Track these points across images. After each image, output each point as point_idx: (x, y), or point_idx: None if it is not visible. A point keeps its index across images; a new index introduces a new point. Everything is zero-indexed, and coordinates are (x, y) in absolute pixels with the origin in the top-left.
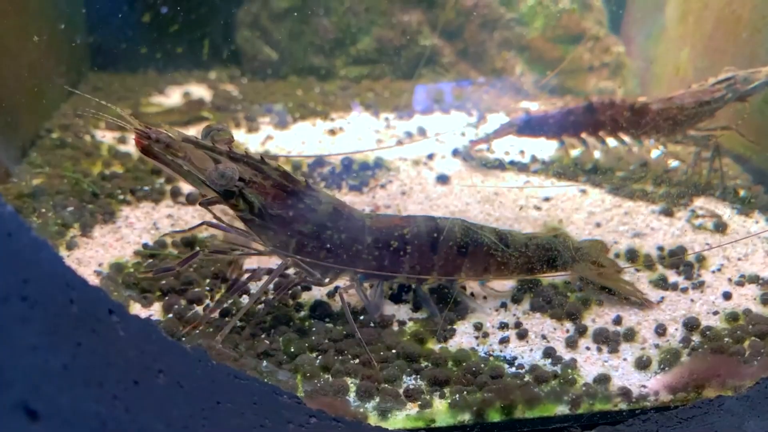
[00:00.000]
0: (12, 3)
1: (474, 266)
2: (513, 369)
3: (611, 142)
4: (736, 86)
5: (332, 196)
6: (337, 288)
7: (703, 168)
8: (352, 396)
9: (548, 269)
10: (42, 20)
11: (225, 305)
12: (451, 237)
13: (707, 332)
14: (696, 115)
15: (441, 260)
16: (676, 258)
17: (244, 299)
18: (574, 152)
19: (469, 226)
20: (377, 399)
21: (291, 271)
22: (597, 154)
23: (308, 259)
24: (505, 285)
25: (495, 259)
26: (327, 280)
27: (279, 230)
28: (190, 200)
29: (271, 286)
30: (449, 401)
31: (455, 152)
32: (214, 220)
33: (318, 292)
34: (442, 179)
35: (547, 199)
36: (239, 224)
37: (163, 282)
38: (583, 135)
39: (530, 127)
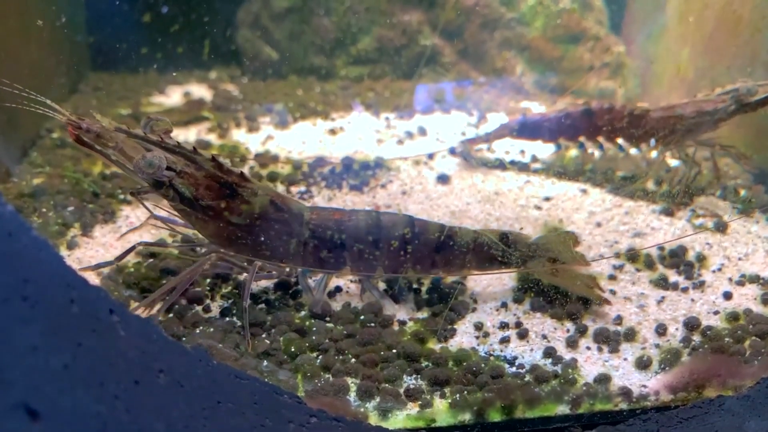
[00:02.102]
0: (13, 4)
1: (420, 262)
2: (513, 369)
3: (609, 147)
4: (740, 97)
5: (270, 188)
6: (339, 288)
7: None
8: (352, 395)
9: (499, 266)
10: (43, 21)
11: (226, 305)
12: (393, 233)
13: (708, 332)
14: (696, 125)
15: (384, 255)
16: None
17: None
18: (573, 153)
19: (413, 222)
20: (378, 399)
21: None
22: (597, 155)
23: (244, 251)
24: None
25: (441, 255)
26: (274, 272)
27: (210, 221)
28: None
29: (271, 285)
30: (450, 401)
31: (452, 151)
32: (162, 214)
33: (318, 293)
34: (443, 179)
35: (547, 199)
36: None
37: (164, 282)
38: (581, 139)
39: (526, 129)
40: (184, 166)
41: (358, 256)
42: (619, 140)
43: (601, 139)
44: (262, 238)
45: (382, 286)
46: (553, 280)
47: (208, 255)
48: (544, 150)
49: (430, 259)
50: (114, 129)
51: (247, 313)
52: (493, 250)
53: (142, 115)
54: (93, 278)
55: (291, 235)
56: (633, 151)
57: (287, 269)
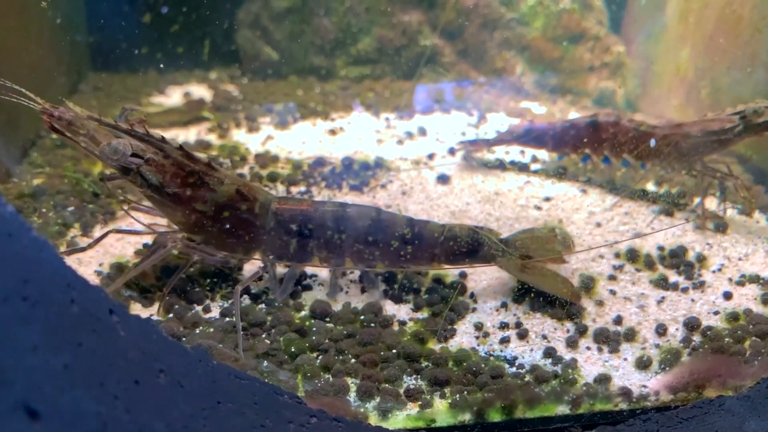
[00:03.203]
0: (12, 3)
1: (387, 254)
2: (513, 369)
3: (614, 160)
4: (747, 118)
5: (238, 177)
6: (339, 288)
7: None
8: (352, 396)
9: (468, 261)
10: (42, 20)
11: (225, 305)
12: (359, 224)
13: (708, 332)
14: (702, 145)
15: (351, 247)
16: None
17: (245, 299)
18: (577, 160)
19: (380, 214)
20: (378, 399)
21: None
22: (602, 167)
23: (211, 238)
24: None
25: (408, 248)
26: (234, 261)
27: (178, 208)
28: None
29: (271, 285)
30: (450, 401)
31: (451, 151)
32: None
33: (318, 293)
34: (443, 179)
35: (547, 199)
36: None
37: (164, 282)
38: (586, 150)
39: (532, 137)
40: (152, 153)
41: (326, 247)
42: (624, 155)
43: (606, 152)
44: (228, 226)
45: (382, 286)
46: (523, 277)
47: (175, 239)
48: (545, 153)
49: (398, 251)
50: (86, 117)
51: (239, 319)
52: (466, 244)
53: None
54: (93, 278)
55: (257, 223)
56: (636, 166)
57: (233, 261)
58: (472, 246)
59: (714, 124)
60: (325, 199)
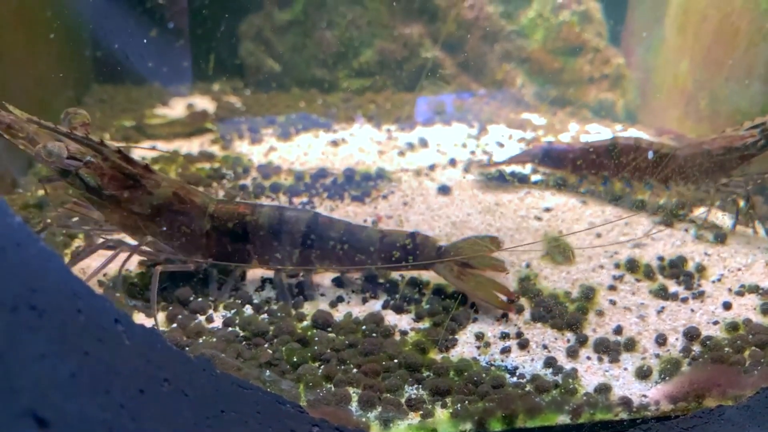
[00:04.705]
0: (20, 17)
1: (325, 257)
2: (514, 379)
3: (636, 184)
4: (766, 131)
5: (177, 180)
6: (341, 298)
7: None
8: (354, 405)
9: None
10: (50, 34)
11: (228, 315)
12: (296, 227)
13: (707, 342)
14: (725, 161)
15: (288, 250)
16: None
17: (247, 309)
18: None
19: (317, 219)
20: (379, 408)
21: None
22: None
23: (152, 239)
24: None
25: (345, 251)
26: (193, 266)
27: (116, 210)
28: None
29: (273, 295)
30: (451, 411)
31: (452, 161)
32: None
33: (321, 303)
34: (444, 190)
35: (548, 210)
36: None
37: (165, 285)
38: (605, 173)
39: (549, 158)
40: (92, 156)
41: (263, 249)
42: (647, 178)
43: (626, 175)
44: (164, 228)
45: (383, 297)
46: (458, 284)
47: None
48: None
49: (335, 254)
50: (26, 120)
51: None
52: (403, 250)
53: (145, 127)
54: (97, 288)
55: (192, 225)
56: (660, 191)
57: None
58: (409, 252)
59: (734, 139)
60: (325, 210)
